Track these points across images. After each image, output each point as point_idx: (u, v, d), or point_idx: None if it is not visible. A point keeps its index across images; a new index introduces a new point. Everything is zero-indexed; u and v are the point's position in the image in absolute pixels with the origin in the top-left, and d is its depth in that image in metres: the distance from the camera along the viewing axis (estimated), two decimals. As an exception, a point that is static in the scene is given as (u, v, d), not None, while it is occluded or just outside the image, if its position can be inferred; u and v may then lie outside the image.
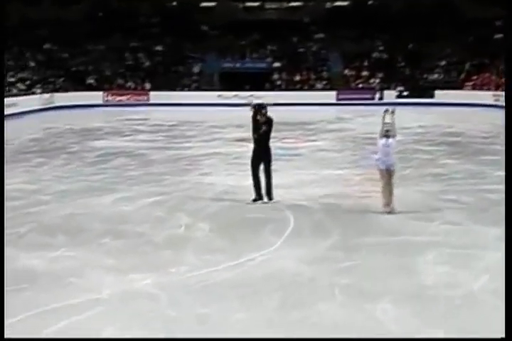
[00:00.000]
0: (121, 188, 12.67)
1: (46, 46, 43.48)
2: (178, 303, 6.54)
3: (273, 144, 19.57)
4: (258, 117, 11.08)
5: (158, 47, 44.32)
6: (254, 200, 11.11)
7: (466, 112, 33.08)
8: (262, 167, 11.17)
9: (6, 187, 12.94)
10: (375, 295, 6.75)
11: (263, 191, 11.16)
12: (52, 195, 12.02)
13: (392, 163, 10.52)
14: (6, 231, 9.46)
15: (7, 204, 11.33)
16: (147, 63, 43.24)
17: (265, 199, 11.17)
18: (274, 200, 11.13)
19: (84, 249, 8.49)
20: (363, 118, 29.59)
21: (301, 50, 44.46)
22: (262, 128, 11.09)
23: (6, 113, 31.03)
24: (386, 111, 10.94)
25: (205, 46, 43.29)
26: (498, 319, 5.74)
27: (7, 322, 6.02)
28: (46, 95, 37.13)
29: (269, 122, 11.14)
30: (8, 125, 28.08)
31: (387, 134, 10.56)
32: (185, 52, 43.73)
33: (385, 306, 6.48)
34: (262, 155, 11.22)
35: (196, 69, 42.97)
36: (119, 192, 12.28)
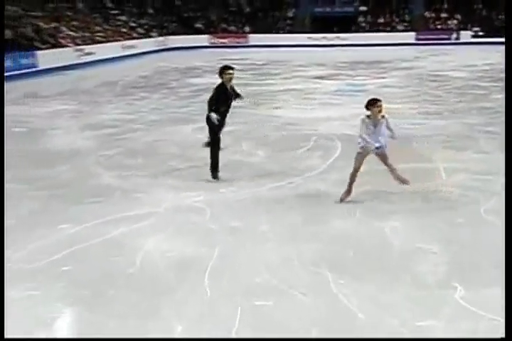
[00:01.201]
0: (202, 119, 12.65)
1: (163, -5, 43.69)
2: (217, 217, 6.69)
3: (346, 81, 19.42)
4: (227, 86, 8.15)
5: (258, -6, 43.67)
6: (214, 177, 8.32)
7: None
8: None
9: (109, 117, 13.46)
10: (389, 214, 6.68)
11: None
12: (143, 124, 12.37)
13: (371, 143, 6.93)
14: (98, 153, 9.93)
15: (106, 131, 11.83)
16: (248, 9, 42.68)
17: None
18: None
19: (155, 169, 8.77)
20: (435, 57, 28.42)
21: (386, -6, 42.59)
22: (231, 100, 8.36)
23: (126, 53, 31.78)
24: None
25: (298, -8, 42.26)
26: (496, 237, 5.68)
27: (78, 227, 6.43)
28: (161, 38, 37.56)
29: (235, 96, 8.44)
30: (126, 64, 28.84)
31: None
32: (281, -2, 42.87)
33: (394, 224, 6.41)
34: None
35: (290, 13, 42.09)
36: (198, 122, 12.33)
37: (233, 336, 4.30)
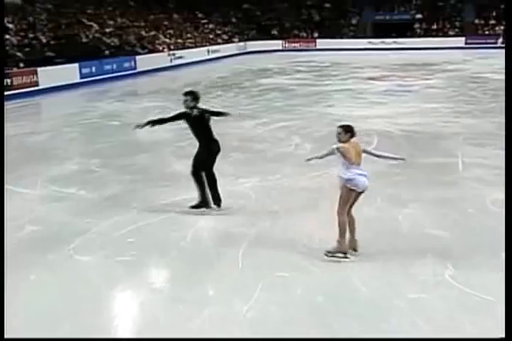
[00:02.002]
0: (263, 115, 12.97)
1: (245, 6, 43.77)
2: (261, 201, 6.88)
3: (395, 82, 19.00)
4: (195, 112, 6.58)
5: (327, 5, 42.98)
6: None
7: None
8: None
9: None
10: (406, 203, 6.67)
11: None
12: (213, 119, 12.57)
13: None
14: (173, 144, 10.25)
15: (183, 125, 12.06)
16: (317, 17, 42.19)
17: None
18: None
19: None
20: (480, 60, 27.26)
21: (441, 3, 40.99)
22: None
23: (211, 57, 32.16)
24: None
25: (362, 2, 41.30)
26: (499, 225, 5.47)
27: (146, 206, 6.75)
28: (241, 43, 37.76)
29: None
30: (210, 66, 29.22)
31: None
32: (346, 7, 42.07)
33: (409, 211, 6.42)
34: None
35: (354, 21, 41.29)
36: (260, 118, 12.60)
37: (252, 301, 4.48)
